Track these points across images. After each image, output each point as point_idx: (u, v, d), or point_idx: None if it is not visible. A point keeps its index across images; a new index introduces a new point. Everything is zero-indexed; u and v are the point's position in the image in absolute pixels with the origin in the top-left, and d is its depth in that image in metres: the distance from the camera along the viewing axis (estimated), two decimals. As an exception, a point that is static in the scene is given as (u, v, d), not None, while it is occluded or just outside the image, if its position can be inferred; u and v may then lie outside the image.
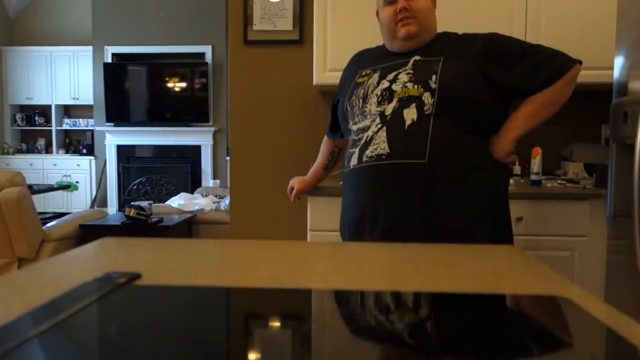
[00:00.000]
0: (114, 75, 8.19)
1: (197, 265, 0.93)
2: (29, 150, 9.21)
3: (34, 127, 9.15)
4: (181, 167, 8.31)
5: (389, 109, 1.68)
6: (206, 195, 5.51)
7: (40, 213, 5.08)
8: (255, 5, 3.35)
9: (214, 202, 5.10)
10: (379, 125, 1.66)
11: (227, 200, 4.92)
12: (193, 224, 4.75)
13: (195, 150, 8.29)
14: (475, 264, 0.97)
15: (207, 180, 8.17)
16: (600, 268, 2.38)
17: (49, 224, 3.73)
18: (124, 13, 8.25)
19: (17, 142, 9.23)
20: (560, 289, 0.80)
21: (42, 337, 0.55)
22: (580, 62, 1.72)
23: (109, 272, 0.83)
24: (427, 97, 1.63)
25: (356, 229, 1.69)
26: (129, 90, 8.21)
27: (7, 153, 8.98)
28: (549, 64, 1.69)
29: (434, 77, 1.66)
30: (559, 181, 2.58)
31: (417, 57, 1.75)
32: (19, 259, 3.42)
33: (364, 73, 1.83)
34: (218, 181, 7.82)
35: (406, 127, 1.62)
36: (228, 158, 7.80)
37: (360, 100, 1.76)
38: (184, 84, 8.18)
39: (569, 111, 3.03)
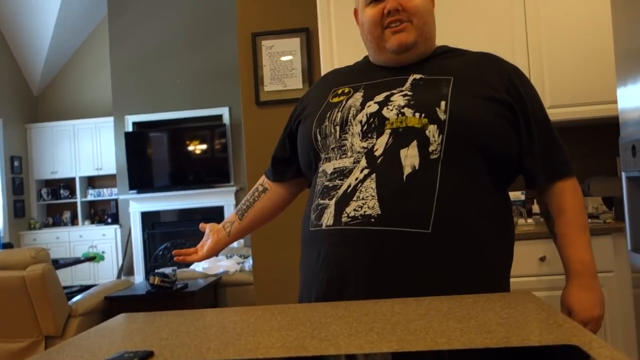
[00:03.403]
0: (135, 143, 8.39)
1: (210, 337, 0.94)
2: (55, 224, 9.37)
3: (59, 201, 9.34)
4: (205, 229, 8.37)
5: (380, 145, 1.24)
6: (230, 256, 5.52)
7: (67, 287, 5.13)
8: (265, 67, 3.44)
9: (238, 263, 5.11)
10: (366, 172, 1.23)
11: (251, 260, 4.93)
12: (218, 287, 4.75)
13: (219, 210, 8.36)
14: (487, 315, 0.96)
15: (232, 240, 8.20)
16: (630, 302, 2.33)
17: (75, 298, 3.76)
18: (142, 83, 8.51)
19: (43, 217, 9.41)
20: (572, 337, 0.79)
21: None
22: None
23: (123, 352, 0.84)
24: (432, 132, 1.21)
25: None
26: (150, 156, 8.39)
27: (34, 228, 9.15)
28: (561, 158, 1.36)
29: (442, 103, 1.23)
30: (579, 217, 2.55)
31: (417, 75, 1.32)
32: (45, 337, 3.43)
33: (340, 91, 1.38)
34: (242, 240, 7.84)
35: (404, 177, 1.20)
36: (250, 216, 7.81)
37: (337, 129, 1.31)
38: (204, 146, 8.35)
39: (582, 146, 3.03)
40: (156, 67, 8.48)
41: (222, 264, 4.99)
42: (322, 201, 1.29)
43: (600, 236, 2.35)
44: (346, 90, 1.37)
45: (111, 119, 8.81)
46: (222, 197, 8.34)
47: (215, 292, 4.74)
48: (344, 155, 1.27)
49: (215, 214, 8.35)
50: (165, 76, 8.47)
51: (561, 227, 1.34)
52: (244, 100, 3.42)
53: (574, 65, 2.66)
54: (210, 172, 8.34)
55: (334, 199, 1.26)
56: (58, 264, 5.21)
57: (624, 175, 1.93)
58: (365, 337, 0.87)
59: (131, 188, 8.38)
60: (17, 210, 8.94)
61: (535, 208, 2.88)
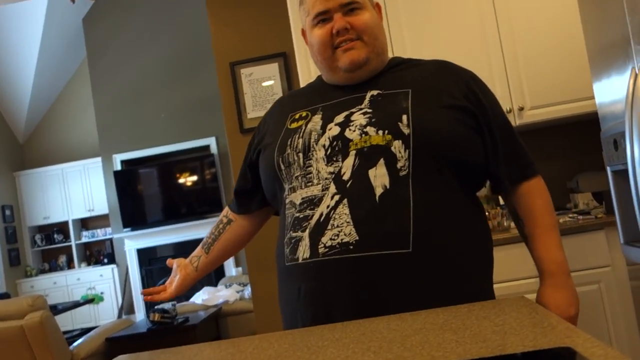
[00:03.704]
0: (125, 181, 8.37)
1: (208, 372, 0.93)
2: (52, 269, 9.31)
3: (53, 245, 9.28)
4: (202, 260, 8.32)
5: (346, 168, 1.20)
6: (229, 286, 5.49)
7: (67, 332, 5.07)
8: (246, 95, 3.46)
9: (237, 292, 5.09)
10: (337, 197, 1.18)
11: (250, 288, 4.91)
12: (220, 317, 4.72)
13: (214, 241, 8.30)
14: (482, 323, 0.96)
15: (230, 269, 8.16)
16: (629, 295, 2.33)
17: (75, 343, 3.72)
18: (127, 120, 8.52)
19: (39, 263, 9.35)
20: (565, 338, 0.79)
21: None
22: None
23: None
24: (398, 148, 1.19)
25: None
26: (141, 193, 8.38)
27: (31, 275, 9.08)
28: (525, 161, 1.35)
29: (404, 117, 1.21)
30: (570, 215, 2.56)
31: (374, 92, 1.29)
32: (49, 384, 3.40)
33: (297, 116, 1.34)
34: (240, 269, 7.81)
35: (377, 198, 1.16)
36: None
37: (300, 156, 1.26)
38: (194, 178, 8.35)
39: (569, 143, 3.05)
40: (140, 103, 8.49)
41: (221, 294, 4.96)
42: (294, 234, 1.24)
43: (594, 232, 2.36)
44: (304, 114, 1.33)
45: (99, 159, 8.80)
46: (216, 227, 8.31)
47: (217, 323, 4.71)
48: (310, 183, 1.23)
49: (211, 244, 8.30)
50: (149, 112, 8.48)
51: (531, 228, 1.32)
52: (229, 129, 3.43)
53: (550, 66, 2.69)
54: (202, 202, 8.33)
55: (307, 230, 1.21)
56: (57, 309, 5.17)
57: (609, 169, 1.94)
58: (362, 357, 0.87)
59: (125, 226, 8.34)
60: (12, 259, 8.86)
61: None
